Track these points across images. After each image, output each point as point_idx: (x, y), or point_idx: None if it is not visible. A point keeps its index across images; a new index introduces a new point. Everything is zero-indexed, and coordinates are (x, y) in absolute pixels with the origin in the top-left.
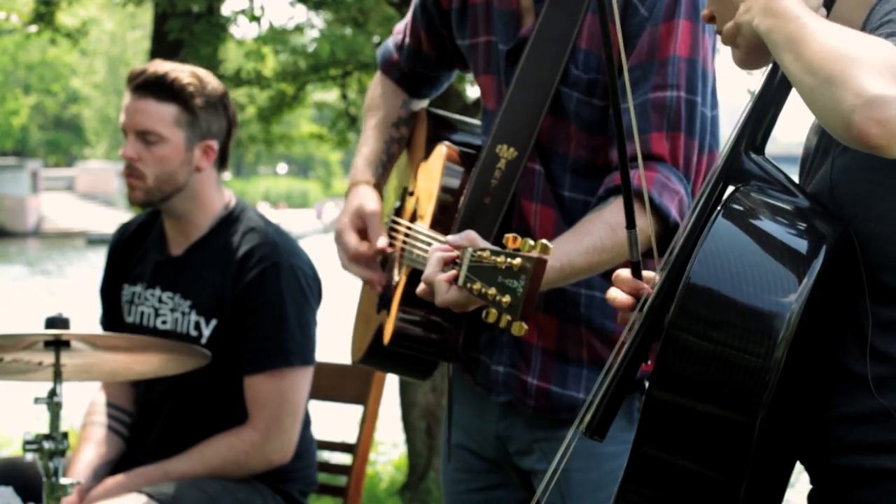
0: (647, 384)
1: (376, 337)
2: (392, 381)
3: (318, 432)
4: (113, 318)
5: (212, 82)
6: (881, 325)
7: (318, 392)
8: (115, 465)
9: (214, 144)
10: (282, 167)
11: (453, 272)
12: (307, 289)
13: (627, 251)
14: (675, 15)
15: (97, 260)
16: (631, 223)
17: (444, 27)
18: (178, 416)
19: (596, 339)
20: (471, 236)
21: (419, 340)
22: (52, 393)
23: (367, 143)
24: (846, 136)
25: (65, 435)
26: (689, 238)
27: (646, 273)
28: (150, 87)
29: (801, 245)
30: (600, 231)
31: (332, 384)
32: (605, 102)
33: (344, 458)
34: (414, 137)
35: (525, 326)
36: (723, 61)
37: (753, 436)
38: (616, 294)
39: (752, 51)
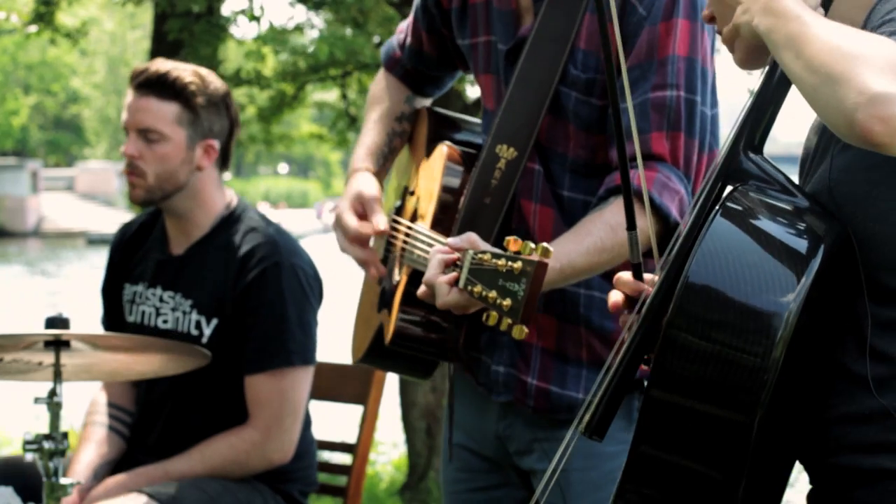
0: (646, 384)
1: (377, 337)
2: (392, 381)
3: (318, 432)
4: (114, 317)
5: (214, 82)
6: (880, 324)
7: (318, 392)
8: (115, 464)
9: (216, 144)
10: (283, 167)
11: (454, 274)
12: (308, 288)
13: (627, 251)
14: (673, 14)
15: (97, 260)
16: (631, 225)
17: (445, 27)
18: (179, 416)
19: (595, 339)
20: (471, 238)
21: (420, 340)
22: (52, 393)
23: (369, 134)
24: (849, 134)
25: (65, 435)
26: (687, 237)
27: (647, 275)
28: (153, 85)
29: (800, 244)
30: (601, 231)
31: (332, 384)
32: (603, 102)
33: (344, 458)
34: (415, 136)
35: (526, 330)
36: (723, 61)
37: (752, 435)
38: (618, 297)
39: (752, 51)
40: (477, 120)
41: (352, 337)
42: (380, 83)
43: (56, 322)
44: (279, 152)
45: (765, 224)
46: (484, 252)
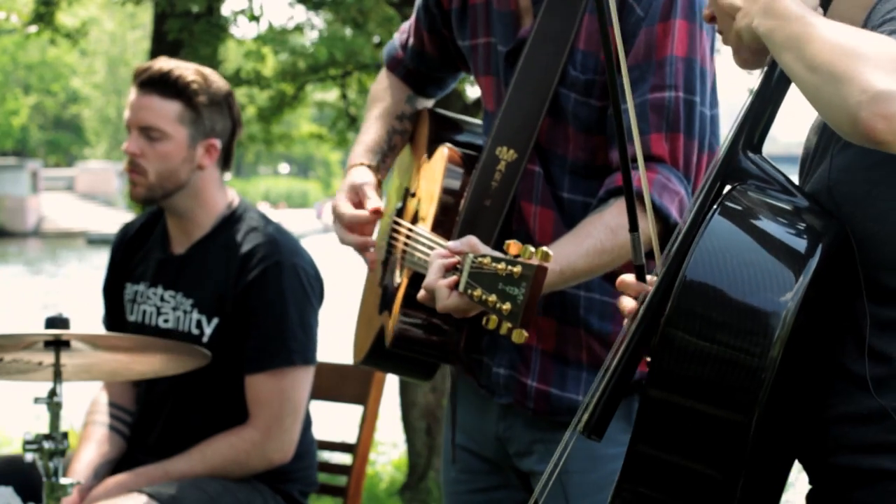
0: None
1: (378, 338)
2: (392, 381)
3: (318, 432)
4: (115, 317)
5: (217, 81)
6: (879, 324)
7: (319, 392)
8: (116, 464)
9: (217, 143)
10: (284, 167)
11: (454, 278)
12: (309, 288)
13: (628, 253)
14: (671, 15)
15: (97, 260)
16: (634, 226)
17: (446, 27)
18: (179, 416)
19: (595, 341)
20: (471, 242)
21: (420, 343)
22: (52, 393)
23: (369, 132)
24: (853, 133)
25: (65, 435)
26: (686, 236)
27: (649, 277)
28: (155, 83)
29: (798, 243)
30: (601, 233)
31: (333, 384)
32: (602, 103)
33: (344, 458)
34: (417, 137)
35: (525, 334)
36: (723, 60)
37: (750, 434)
38: (627, 303)
39: (754, 52)
40: (478, 121)
41: (353, 338)
42: (381, 82)
43: (56, 322)
44: (279, 152)
45: (763, 223)
46: (484, 256)
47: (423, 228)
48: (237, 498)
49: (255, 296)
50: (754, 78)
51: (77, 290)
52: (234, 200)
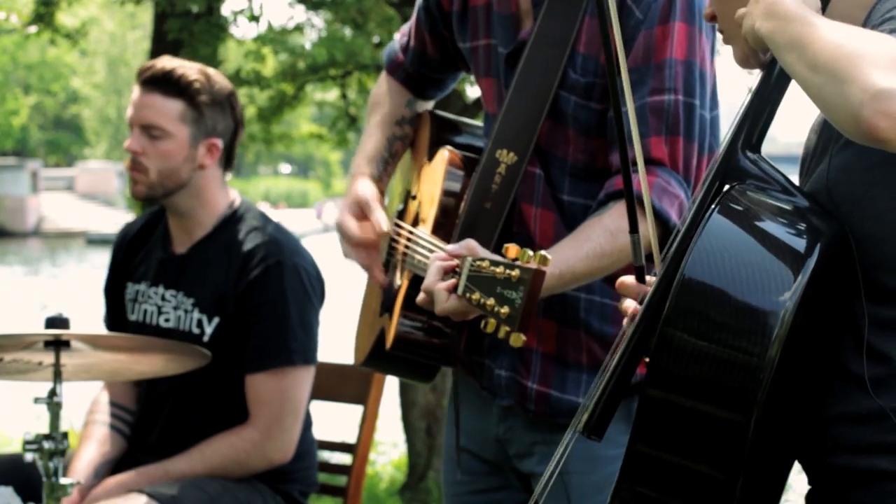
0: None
1: (378, 340)
2: (392, 381)
3: (318, 432)
4: (116, 316)
5: (219, 81)
6: (878, 324)
7: (319, 392)
8: (116, 463)
9: (219, 143)
10: (284, 167)
11: (452, 281)
12: (310, 288)
13: (627, 256)
14: (670, 17)
15: (97, 260)
16: (634, 228)
17: (447, 29)
18: (180, 415)
19: (595, 343)
20: (470, 245)
21: (421, 345)
22: (52, 393)
23: (369, 140)
24: (855, 132)
25: (65, 435)
26: (685, 236)
27: (649, 278)
28: (158, 82)
29: (797, 243)
30: (600, 237)
31: (333, 384)
32: (602, 106)
33: (344, 458)
34: (417, 139)
35: (523, 338)
36: (723, 61)
37: (748, 434)
38: (628, 304)
39: (754, 51)
40: (479, 123)
41: (355, 339)
42: (381, 87)
43: (56, 322)
44: (279, 152)
45: (762, 222)
46: (482, 259)
47: (424, 231)
48: (237, 498)
49: (256, 295)
50: (754, 78)
51: (77, 290)
52: (236, 200)
